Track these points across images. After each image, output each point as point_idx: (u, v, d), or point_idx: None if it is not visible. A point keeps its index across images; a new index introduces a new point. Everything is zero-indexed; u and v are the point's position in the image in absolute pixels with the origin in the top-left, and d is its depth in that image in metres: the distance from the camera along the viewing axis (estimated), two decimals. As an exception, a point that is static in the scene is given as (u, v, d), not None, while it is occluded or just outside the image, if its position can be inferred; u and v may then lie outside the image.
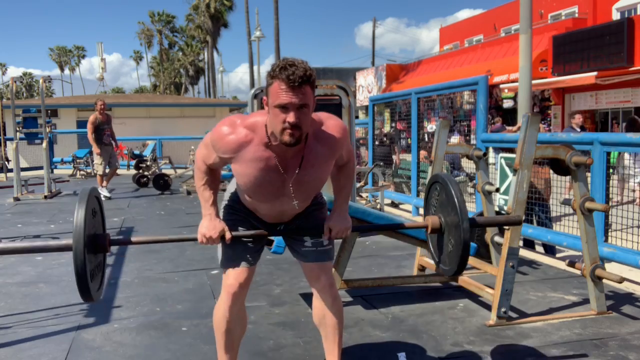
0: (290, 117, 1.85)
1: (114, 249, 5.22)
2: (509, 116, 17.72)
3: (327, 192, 2.43)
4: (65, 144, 17.32)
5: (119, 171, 15.20)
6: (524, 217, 3.39)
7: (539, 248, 5.49)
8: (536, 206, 5.16)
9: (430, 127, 7.56)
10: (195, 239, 2.12)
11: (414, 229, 2.47)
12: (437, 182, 2.39)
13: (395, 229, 2.86)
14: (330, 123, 2.06)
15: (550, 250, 5.34)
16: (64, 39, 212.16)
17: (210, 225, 2.10)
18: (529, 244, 5.40)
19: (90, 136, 8.77)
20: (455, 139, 7.55)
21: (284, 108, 1.85)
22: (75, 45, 77.22)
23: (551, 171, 3.67)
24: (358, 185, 7.58)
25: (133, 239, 2.17)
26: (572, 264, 3.44)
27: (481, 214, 4.13)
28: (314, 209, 2.27)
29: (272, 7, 27.22)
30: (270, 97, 1.89)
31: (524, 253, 4.78)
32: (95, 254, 2.05)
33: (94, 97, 26.50)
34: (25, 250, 2.06)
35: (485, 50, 20.81)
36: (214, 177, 2.17)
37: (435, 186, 2.40)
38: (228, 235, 2.10)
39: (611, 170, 4.20)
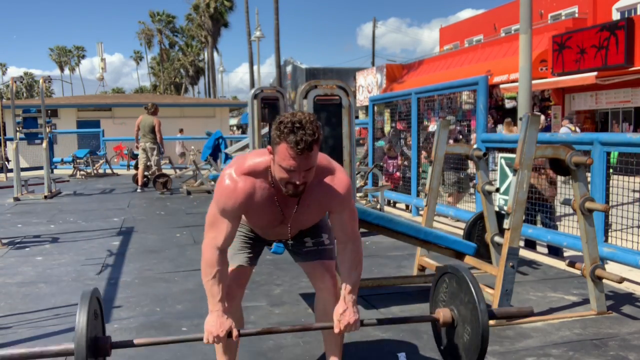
0: (296, 179, 1.87)
1: (114, 248, 5.23)
2: (509, 116, 17.71)
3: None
4: (65, 144, 17.31)
5: (118, 171, 15.30)
6: (523, 218, 3.37)
7: (539, 249, 5.48)
8: (541, 211, 5.12)
9: (431, 127, 7.55)
10: (201, 339, 2.04)
11: (423, 321, 2.40)
12: (445, 273, 2.30)
13: (401, 322, 2.76)
14: (339, 176, 2.06)
15: (554, 251, 5.30)
16: (64, 39, 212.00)
17: (217, 323, 2.02)
18: (531, 245, 5.38)
19: (161, 137, 10.03)
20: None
21: (291, 171, 1.86)
22: (75, 45, 77.16)
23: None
24: (358, 185, 7.58)
25: (136, 341, 2.08)
26: (572, 264, 3.44)
27: (481, 215, 4.13)
28: None
29: (272, 7, 27.22)
30: (276, 154, 1.87)
31: (524, 253, 4.78)
32: (96, 358, 1.99)
33: (94, 97, 26.54)
34: (24, 357, 1.94)
35: (485, 50, 20.79)
36: (224, 267, 2.07)
37: (444, 278, 2.31)
38: (235, 332, 2.04)
39: (611, 171, 4.19)
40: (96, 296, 2.04)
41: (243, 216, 2.17)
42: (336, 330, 2.10)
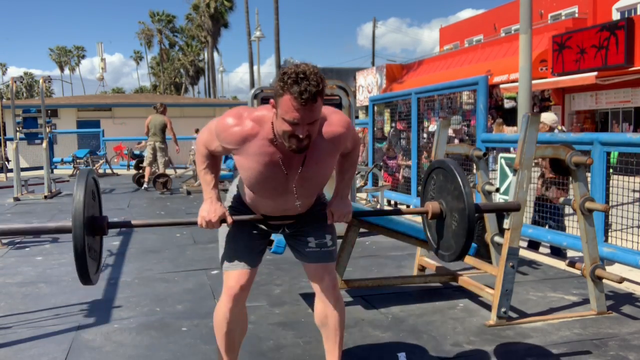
0: (300, 132, 1.83)
1: (114, 248, 5.23)
2: (509, 116, 17.72)
3: (329, 193, 2.42)
4: (65, 144, 17.32)
5: (118, 171, 15.31)
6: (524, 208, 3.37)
7: (544, 249, 5.46)
8: (548, 215, 5.08)
9: (431, 127, 7.55)
10: (194, 223, 2.09)
11: (414, 214, 2.44)
12: (433, 169, 2.35)
13: (395, 214, 2.82)
14: (335, 118, 2.03)
15: (556, 252, 5.27)
16: (64, 39, 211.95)
17: (211, 208, 2.06)
18: (534, 246, 5.33)
19: (174, 135, 10.22)
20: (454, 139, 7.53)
21: (294, 124, 1.82)
22: (75, 45, 77.24)
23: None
24: (358, 185, 7.58)
25: (133, 222, 2.14)
26: (572, 264, 3.44)
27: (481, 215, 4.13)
28: (317, 209, 2.27)
29: (272, 7, 27.22)
30: (279, 107, 1.83)
31: (524, 253, 4.78)
32: (94, 237, 2.03)
33: (94, 97, 26.57)
34: (23, 232, 2.01)
35: (485, 50, 20.78)
36: (215, 160, 2.14)
37: (432, 175, 2.36)
38: (229, 219, 2.07)
39: (611, 171, 4.19)
40: (92, 177, 2.05)
41: (250, 192, 2.13)
42: (329, 221, 2.17)
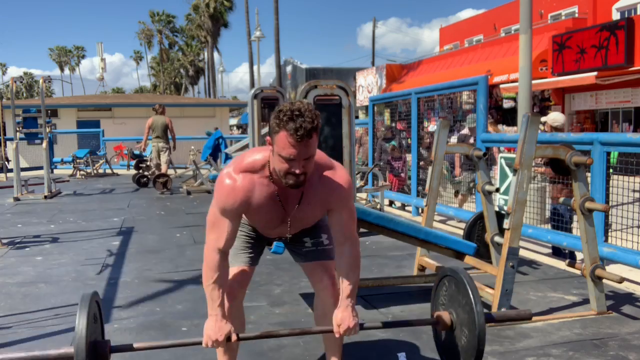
0: (296, 169, 1.87)
1: (114, 248, 5.23)
2: (509, 116, 17.72)
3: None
4: (65, 144, 17.32)
5: (118, 171, 15.30)
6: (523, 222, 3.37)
7: (540, 249, 5.46)
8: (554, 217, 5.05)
9: (431, 127, 7.55)
10: (200, 342, 2.04)
11: (423, 325, 2.41)
12: (445, 276, 2.31)
13: (401, 326, 2.79)
14: (340, 172, 2.07)
15: (556, 252, 5.23)
16: (64, 39, 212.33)
17: (216, 327, 2.01)
18: (558, 253, 5.24)
19: (174, 135, 10.28)
20: (454, 138, 7.53)
21: (291, 160, 1.86)
22: (75, 45, 77.18)
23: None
24: (358, 185, 7.59)
25: (135, 345, 2.08)
26: (572, 264, 3.44)
27: (481, 215, 4.13)
28: None
29: (272, 7, 27.21)
30: (275, 144, 1.87)
31: (524, 253, 4.78)
32: None
33: (94, 97, 26.56)
34: None
35: (485, 50, 20.77)
36: (225, 271, 2.07)
37: (444, 281, 2.32)
38: (234, 337, 2.04)
39: (611, 171, 4.19)
40: (95, 299, 2.04)
41: (244, 216, 2.17)
42: (336, 335, 2.11)
